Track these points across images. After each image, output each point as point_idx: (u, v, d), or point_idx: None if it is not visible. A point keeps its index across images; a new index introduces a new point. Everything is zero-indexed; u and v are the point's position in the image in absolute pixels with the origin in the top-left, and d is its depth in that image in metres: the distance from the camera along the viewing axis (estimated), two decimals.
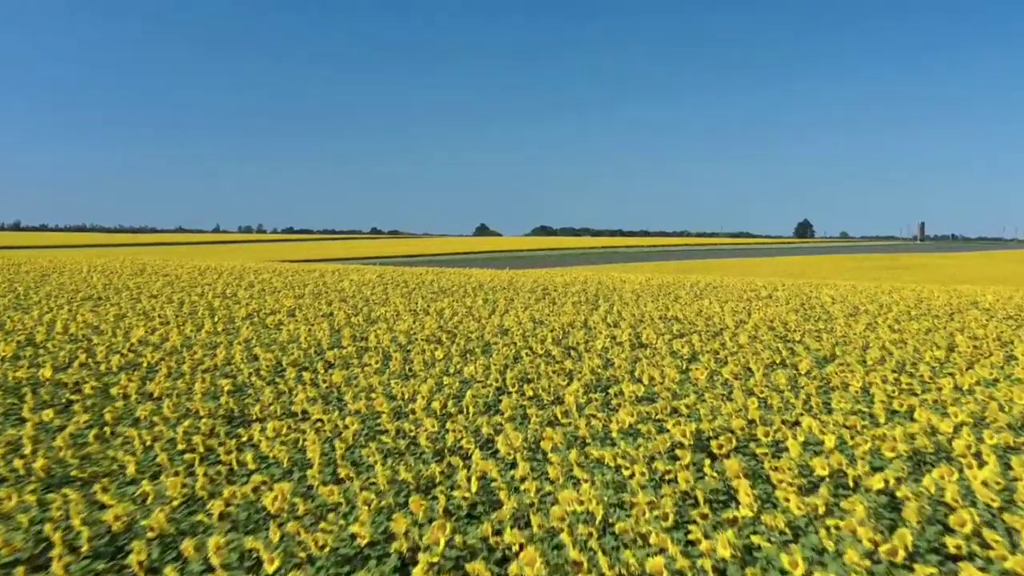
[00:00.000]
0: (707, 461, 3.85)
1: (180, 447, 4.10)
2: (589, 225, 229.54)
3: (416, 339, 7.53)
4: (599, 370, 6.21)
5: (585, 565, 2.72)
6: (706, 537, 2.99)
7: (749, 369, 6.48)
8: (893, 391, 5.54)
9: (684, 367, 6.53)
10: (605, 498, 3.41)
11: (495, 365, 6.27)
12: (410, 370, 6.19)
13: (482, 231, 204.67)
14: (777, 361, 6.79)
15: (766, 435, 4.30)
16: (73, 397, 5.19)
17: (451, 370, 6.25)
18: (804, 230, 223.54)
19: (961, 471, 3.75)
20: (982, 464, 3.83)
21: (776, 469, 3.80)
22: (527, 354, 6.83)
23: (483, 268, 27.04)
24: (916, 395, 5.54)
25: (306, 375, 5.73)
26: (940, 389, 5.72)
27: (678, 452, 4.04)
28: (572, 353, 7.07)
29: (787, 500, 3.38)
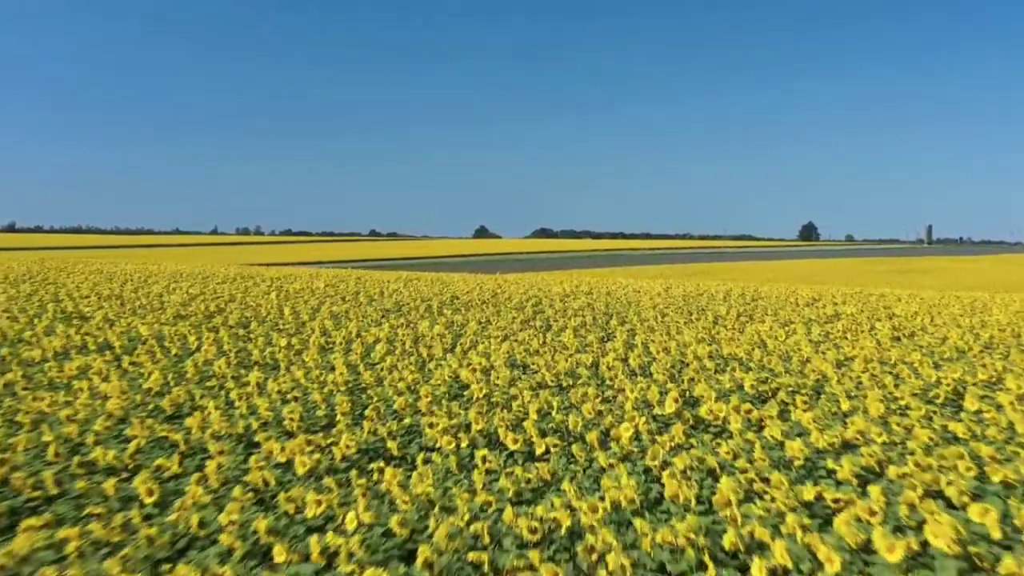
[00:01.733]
0: None
1: None
2: (590, 227, 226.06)
3: (283, 417, 4.07)
4: (635, 518, 2.77)
5: None
6: None
7: (945, 499, 3.05)
8: None
9: (813, 496, 3.08)
10: None
11: (404, 506, 2.83)
12: (201, 525, 2.73)
13: (481, 233, 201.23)
14: (994, 477, 3.34)
15: None
16: None
17: (307, 517, 2.81)
18: (809, 232, 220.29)
19: None
20: None
21: None
22: (487, 461, 3.38)
23: (475, 273, 23.71)
24: None
25: None
26: None
27: None
28: (575, 451, 3.63)
29: None
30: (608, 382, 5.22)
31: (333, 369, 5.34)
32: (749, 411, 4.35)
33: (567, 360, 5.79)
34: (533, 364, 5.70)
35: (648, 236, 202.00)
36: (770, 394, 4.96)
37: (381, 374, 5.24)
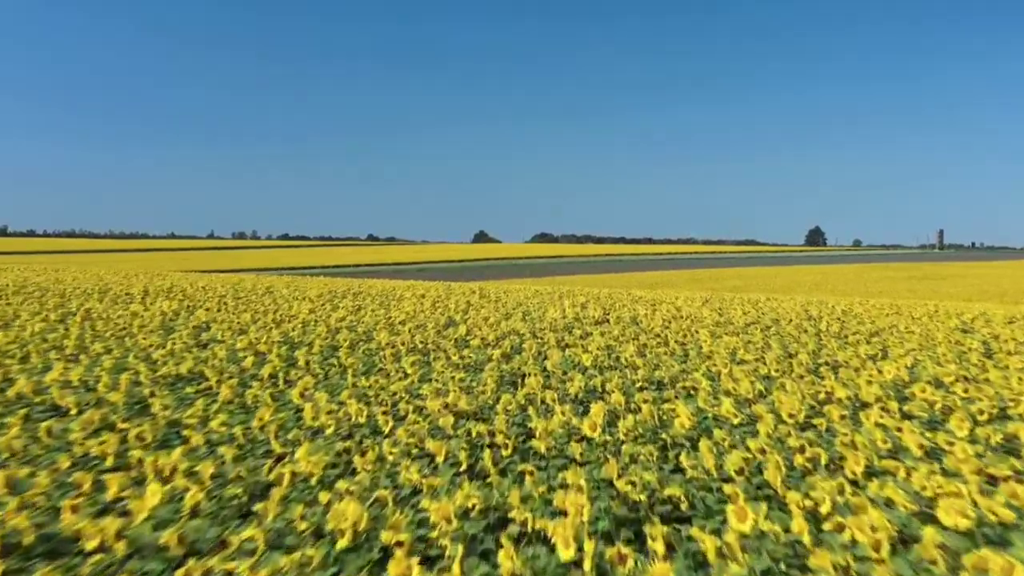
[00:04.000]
0: None
1: None
2: (591, 232, 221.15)
3: None
4: None
5: None
6: None
7: None
8: None
9: None
10: None
11: None
12: None
13: (481, 238, 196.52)
14: None
15: None
16: None
17: None
18: (816, 237, 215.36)
19: None
20: None
21: None
22: None
23: (456, 282, 19.09)
24: None
25: None
26: None
27: None
28: None
29: None
30: None
31: None
32: None
33: None
34: None
35: (651, 241, 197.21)
36: None
37: None
